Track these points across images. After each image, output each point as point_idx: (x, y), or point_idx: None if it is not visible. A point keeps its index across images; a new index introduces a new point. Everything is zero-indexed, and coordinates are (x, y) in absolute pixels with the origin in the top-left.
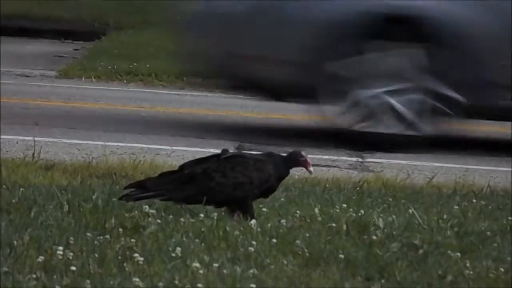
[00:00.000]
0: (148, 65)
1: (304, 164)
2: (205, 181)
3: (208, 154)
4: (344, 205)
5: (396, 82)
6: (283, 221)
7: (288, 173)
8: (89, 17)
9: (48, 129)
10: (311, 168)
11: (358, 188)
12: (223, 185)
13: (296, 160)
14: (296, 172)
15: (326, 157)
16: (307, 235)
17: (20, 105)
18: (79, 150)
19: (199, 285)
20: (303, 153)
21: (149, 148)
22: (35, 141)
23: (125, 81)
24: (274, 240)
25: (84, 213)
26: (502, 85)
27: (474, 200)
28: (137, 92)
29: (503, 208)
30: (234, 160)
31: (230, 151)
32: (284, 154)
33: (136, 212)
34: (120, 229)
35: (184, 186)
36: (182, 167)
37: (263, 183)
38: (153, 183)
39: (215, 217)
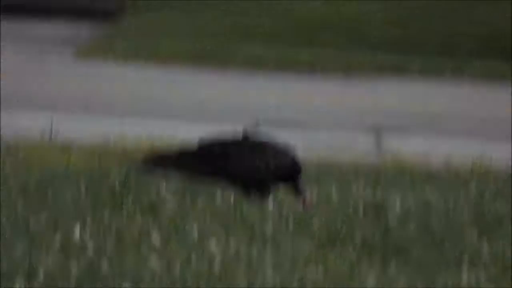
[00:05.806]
0: (167, 46)
1: (302, 200)
2: (223, 162)
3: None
4: (361, 187)
5: None
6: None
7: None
8: None
9: (65, 110)
10: (306, 207)
11: (375, 170)
12: (240, 167)
13: (297, 191)
14: (313, 154)
15: (344, 138)
16: (324, 216)
17: (38, 86)
18: (96, 131)
19: (216, 266)
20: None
21: (166, 130)
22: (52, 123)
23: (144, 63)
24: (291, 222)
25: (101, 194)
26: None
27: (491, 182)
28: (156, 74)
29: None
30: (253, 144)
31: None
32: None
33: (153, 193)
34: (137, 210)
35: (202, 165)
36: (201, 145)
37: (280, 169)
38: (172, 158)
39: (232, 199)
